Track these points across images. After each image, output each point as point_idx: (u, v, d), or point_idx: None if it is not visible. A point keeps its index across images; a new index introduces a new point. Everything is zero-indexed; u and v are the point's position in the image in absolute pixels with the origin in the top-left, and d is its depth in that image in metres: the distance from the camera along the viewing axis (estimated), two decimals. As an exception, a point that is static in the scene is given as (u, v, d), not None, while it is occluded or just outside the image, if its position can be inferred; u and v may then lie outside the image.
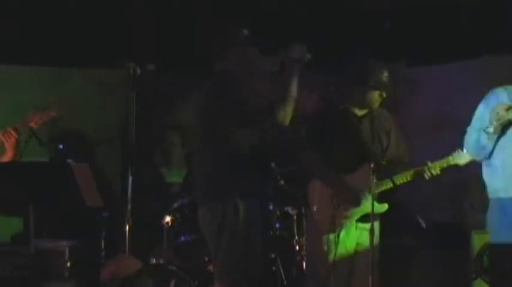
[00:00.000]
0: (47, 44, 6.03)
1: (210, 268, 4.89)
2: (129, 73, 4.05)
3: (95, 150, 6.31)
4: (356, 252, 4.44)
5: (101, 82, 6.21)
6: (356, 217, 4.43)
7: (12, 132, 4.79)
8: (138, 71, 4.14)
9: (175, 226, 5.21)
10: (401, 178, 4.45)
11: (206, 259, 5.06)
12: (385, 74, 4.44)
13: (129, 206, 4.02)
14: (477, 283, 5.25)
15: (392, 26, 6.31)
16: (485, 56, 5.71)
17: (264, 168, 4.56)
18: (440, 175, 4.52)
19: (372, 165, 4.27)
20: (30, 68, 6.13)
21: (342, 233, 4.35)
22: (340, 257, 4.32)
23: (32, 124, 4.83)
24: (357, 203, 4.39)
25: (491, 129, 4.00)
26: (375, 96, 4.45)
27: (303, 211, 5.18)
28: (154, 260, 5.16)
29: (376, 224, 4.40)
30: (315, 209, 4.44)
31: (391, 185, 4.41)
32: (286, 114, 4.08)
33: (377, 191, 4.35)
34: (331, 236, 4.34)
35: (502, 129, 4.03)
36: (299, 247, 5.31)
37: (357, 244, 4.46)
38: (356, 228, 4.44)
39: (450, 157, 4.51)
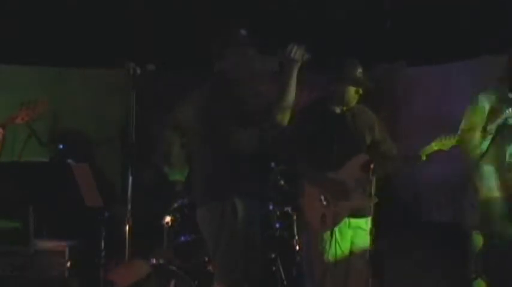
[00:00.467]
0: (47, 44, 6.03)
1: (210, 268, 4.89)
2: (129, 73, 4.04)
3: (95, 150, 6.31)
4: (351, 252, 4.44)
5: (101, 82, 6.22)
6: (347, 213, 4.42)
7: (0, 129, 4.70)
8: (138, 71, 4.13)
9: (175, 226, 5.21)
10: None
11: (206, 259, 5.06)
12: (359, 70, 4.46)
13: (129, 206, 4.02)
14: (477, 283, 5.25)
15: (392, 26, 6.31)
16: (485, 56, 5.71)
17: (264, 168, 4.56)
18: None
19: (372, 165, 4.28)
20: (30, 68, 6.14)
21: (336, 233, 4.34)
22: (336, 258, 4.33)
23: (19, 120, 4.68)
24: (345, 196, 4.38)
25: (487, 129, 4.01)
26: (352, 93, 4.47)
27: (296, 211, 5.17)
28: (154, 260, 5.15)
29: (369, 221, 4.39)
30: (307, 209, 4.44)
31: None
32: (284, 114, 4.08)
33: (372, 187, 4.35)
34: (326, 236, 4.34)
35: (496, 130, 4.04)
36: (299, 247, 5.31)
37: (352, 244, 4.45)
38: (349, 226, 4.44)
39: (433, 143, 4.52)
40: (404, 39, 6.28)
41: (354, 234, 4.46)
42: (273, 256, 5.38)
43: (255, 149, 4.16)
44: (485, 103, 4.16)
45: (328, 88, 4.52)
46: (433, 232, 5.81)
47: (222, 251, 4.08)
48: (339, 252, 4.35)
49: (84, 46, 6.06)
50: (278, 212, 5.50)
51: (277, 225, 5.47)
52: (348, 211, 4.42)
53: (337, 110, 4.52)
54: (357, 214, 4.43)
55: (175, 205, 5.31)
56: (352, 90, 4.47)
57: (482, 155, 4.13)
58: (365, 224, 4.42)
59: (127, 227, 3.97)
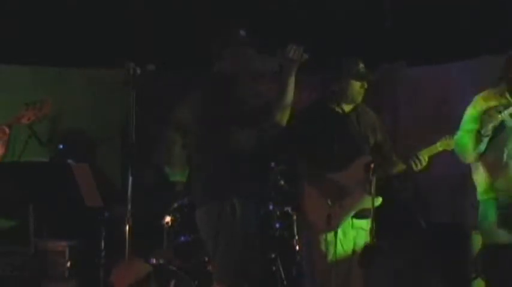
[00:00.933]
0: (47, 44, 6.03)
1: (210, 268, 4.89)
2: (129, 73, 4.04)
3: (95, 150, 6.31)
4: (354, 252, 4.44)
5: (101, 82, 6.22)
6: (352, 213, 4.42)
7: (6, 129, 4.69)
8: (138, 71, 4.13)
9: (175, 226, 5.21)
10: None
11: (206, 259, 5.06)
12: (361, 65, 4.46)
13: (129, 206, 4.02)
14: (477, 283, 5.25)
15: (392, 26, 6.31)
16: (485, 56, 5.71)
17: (264, 168, 4.56)
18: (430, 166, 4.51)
19: (372, 165, 4.28)
20: (30, 68, 6.13)
21: (340, 233, 4.34)
22: (338, 258, 4.32)
23: (24, 120, 4.70)
24: (344, 197, 4.38)
25: (483, 131, 4.02)
26: (357, 88, 4.46)
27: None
28: (154, 260, 5.15)
29: (370, 222, 4.40)
30: (309, 210, 4.44)
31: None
32: (283, 114, 4.08)
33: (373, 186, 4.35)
34: (329, 237, 4.34)
35: (494, 131, 4.04)
36: (299, 247, 5.31)
37: (354, 244, 4.45)
38: (352, 227, 4.44)
39: (438, 143, 4.52)
40: (405, 39, 6.27)
41: (357, 234, 4.46)
42: (273, 256, 5.39)
43: (254, 149, 4.16)
44: (483, 104, 4.16)
45: (330, 87, 4.51)
46: (433, 232, 5.81)
47: (221, 252, 4.09)
48: (342, 252, 4.35)
49: (84, 46, 6.06)
50: (278, 212, 5.50)
51: (277, 225, 5.47)
52: (352, 212, 4.42)
53: (341, 110, 4.51)
54: (360, 215, 4.43)
55: (175, 205, 5.31)
56: (356, 85, 4.46)
57: (480, 156, 4.13)
58: (367, 224, 4.43)
59: (127, 227, 3.97)
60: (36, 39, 5.99)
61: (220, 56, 4.24)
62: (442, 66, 6.27)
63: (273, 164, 5.28)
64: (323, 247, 4.37)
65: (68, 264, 4.94)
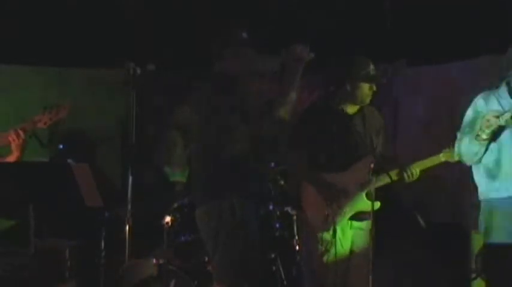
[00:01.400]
0: (47, 44, 6.03)
1: (210, 267, 4.89)
2: (129, 73, 4.04)
3: (95, 150, 6.31)
4: (352, 252, 4.44)
5: (101, 82, 6.22)
6: (350, 215, 4.42)
7: (20, 133, 4.71)
8: (138, 71, 4.14)
9: (175, 226, 5.21)
10: (383, 179, 4.44)
11: (206, 259, 5.05)
12: (372, 67, 4.43)
13: (129, 206, 4.03)
14: (477, 282, 5.25)
15: (392, 26, 6.31)
16: (485, 56, 5.71)
17: (264, 168, 4.56)
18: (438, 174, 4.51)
19: (372, 165, 4.28)
20: (30, 68, 6.13)
21: (338, 233, 4.34)
22: (336, 258, 4.33)
23: (41, 124, 4.74)
24: (342, 199, 4.38)
25: (483, 136, 4.01)
26: (366, 90, 4.43)
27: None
28: (154, 260, 5.15)
29: (370, 223, 4.40)
30: (308, 209, 4.44)
31: (389, 180, 4.41)
32: (286, 110, 4.08)
33: (372, 187, 4.35)
34: (327, 236, 4.34)
35: (493, 135, 4.04)
36: (299, 247, 5.31)
37: (352, 243, 4.46)
38: (351, 227, 4.44)
39: (441, 155, 4.51)
40: (405, 39, 6.27)
41: (354, 234, 4.46)
42: (273, 256, 5.39)
43: (254, 149, 4.16)
44: (482, 106, 4.16)
45: (332, 87, 4.49)
46: (433, 232, 5.81)
47: (220, 252, 4.09)
48: (340, 252, 4.35)
49: (84, 46, 6.06)
50: (278, 212, 5.50)
51: (277, 225, 5.47)
52: (350, 214, 4.42)
53: (348, 110, 4.49)
54: (359, 217, 4.43)
55: (175, 205, 5.31)
56: (365, 87, 4.42)
57: (480, 159, 4.13)
58: (365, 225, 4.43)
59: (127, 227, 3.97)
60: (36, 39, 5.99)
61: (221, 56, 4.24)
62: (442, 66, 6.26)
63: (273, 164, 5.28)
64: (321, 247, 4.37)
65: (68, 264, 4.93)
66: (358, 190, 4.38)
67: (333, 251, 4.34)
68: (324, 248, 4.35)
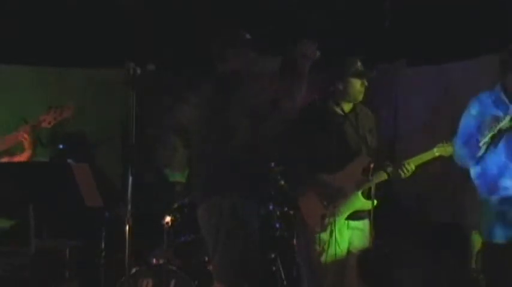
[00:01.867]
0: (47, 44, 6.03)
1: (210, 267, 4.89)
2: (129, 73, 4.04)
3: (95, 150, 6.31)
4: (349, 252, 4.45)
5: (101, 82, 6.22)
6: (346, 214, 4.43)
7: (30, 130, 4.77)
8: (138, 71, 4.13)
9: (175, 226, 5.22)
10: (380, 176, 4.45)
11: (206, 258, 5.06)
12: (359, 63, 4.47)
13: (129, 206, 4.02)
14: (477, 282, 5.25)
15: (392, 26, 6.31)
16: (485, 56, 5.71)
17: (264, 168, 4.57)
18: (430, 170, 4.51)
19: (372, 165, 4.29)
20: (30, 68, 6.14)
21: (335, 233, 4.35)
22: (333, 258, 4.33)
23: (46, 124, 4.81)
24: (339, 199, 4.39)
25: (483, 140, 4.02)
26: (357, 87, 4.46)
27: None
28: (154, 260, 5.16)
29: (366, 223, 4.41)
30: (304, 209, 4.44)
31: (385, 177, 4.43)
32: (293, 108, 4.10)
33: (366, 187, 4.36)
34: (325, 236, 4.34)
35: (492, 139, 4.04)
36: (298, 247, 5.31)
37: (350, 243, 4.46)
38: (348, 227, 4.45)
39: (435, 149, 4.52)
40: (404, 39, 6.27)
41: (352, 234, 4.47)
42: (273, 256, 5.39)
43: (255, 149, 4.16)
44: (479, 108, 4.16)
45: (330, 87, 4.51)
46: (433, 232, 5.81)
47: (221, 251, 4.09)
48: (338, 252, 4.36)
49: (84, 46, 6.06)
50: (278, 212, 5.50)
51: (277, 225, 5.48)
52: (347, 214, 4.42)
53: (341, 110, 4.50)
54: (356, 216, 4.44)
55: (175, 205, 5.31)
56: (357, 84, 4.46)
57: (478, 161, 4.14)
58: (362, 225, 4.44)
59: (127, 227, 3.97)
60: (36, 39, 5.99)
61: (222, 57, 4.25)
62: (442, 66, 6.26)
63: (273, 164, 5.28)
64: (319, 247, 4.37)
65: (68, 264, 4.93)
66: (354, 189, 4.40)
67: (329, 251, 4.35)
68: (321, 248, 4.36)
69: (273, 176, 5.43)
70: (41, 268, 4.60)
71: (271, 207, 5.45)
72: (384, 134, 5.43)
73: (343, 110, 4.49)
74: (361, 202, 4.40)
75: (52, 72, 6.23)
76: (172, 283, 4.96)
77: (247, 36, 4.29)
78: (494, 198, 4.12)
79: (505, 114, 4.07)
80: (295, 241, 5.35)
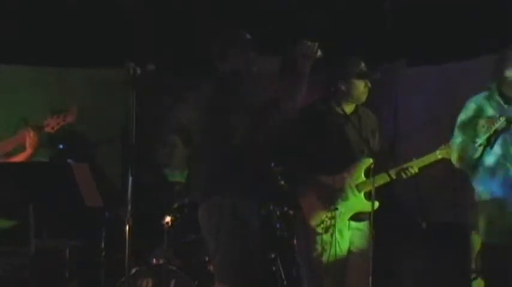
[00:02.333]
0: (47, 44, 6.03)
1: (210, 267, 4.89)
2: (129, 73, 4.04)
3: (95, 150, 6.31)
4: (350, 252, 4.45)
5: (101, 82, 6.22)
6: (348, 216, 4.42)
7: (37, 131, 4.79)
8: (138, 71, 4.13)
9: (175, 226, 5.22)
10: (382, 178, 4.45)
11: (206, 259, 5.06)
12: (362, 64, 4.46)
13: (129, 206, 4.02)
14: (477, 283, 5.25)
15: (392, 26, 6.31)
16: (485, 56, 5.71)
17: (264, 168, 4.56)
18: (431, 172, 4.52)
19: (372, 166, 4.29)
20: (30, 68, 6.14)
21: (336, 234, 4.35)
22: (334, 258, 4.33)
23: (49, 129, 4.82)
24: (344, 198, 4.38)
25: (479, 141, 4.02)
26: (361, 88, 4.45)
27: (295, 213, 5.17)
28: (154, 260, 5.16)
29: (367, 224, 4.40)
30: (305, 210, 4.44)
31: (388, 179, 4.42)
32: (293, 108, 4.10)
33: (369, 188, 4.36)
34: (325, 237, 4.34)
35: (488, 140, 4.05)
36: (299, 247, 5.30)
37: (351, 243, 4.46)
38: (349, 228, 4.45)
39: (437, 152, 4.52)
40: (405, 39, 6.27)
41: (352, 234, 4.47)
42: (273, 256, 5.39)
43: (255, 149, 4.16)
44: (474, 110, 4.16)
45: (331, 87, 4.50)
46: (433, 232, 5.81)
47: (221, 251, 4.09)
48: (338, 252, 4.36)
49: (84, 46, 6.06)
50: (278, 212, 5.50)
51: (277, 225, 5.48)
52: (349, 215, 4.42)
53: (342, 110, 4.49)
54: (357, 218, 4.43)
55: (175, 205, 5.31)
56: (360, 85, 4.45)
57: (475, 163, 4.14)
58: (363, 225, 4.44)
59: (127, 227, 3.97)
60: (36, 39, 5.99)
61: (223, 57, 4.25)
62: (442, 66, 6.26)
63: (273, 164, 5.28)
64: (320, 247, 4.37)
65: (68, 264, 4.93)
66: (355, 191, 4.39)
67: (330, 251, 4.34)
68: (322, 249, 4.36)
69: (273, 176, 5.43)
70: (41, 268, 4.59)
71: (271, 207, 5.45)
72: (384, 134, 5.42)
73: (344, 111, 4.48)
74: (362, 204, 4.39)
75: (52, 72, 6.23)
76: (172, 283, 4.96)
77: (247, 36, 4.29)
78: (491, 198, 4.13)
79: (500, 115, 4.08)
80: (295, 241, 5.36)
